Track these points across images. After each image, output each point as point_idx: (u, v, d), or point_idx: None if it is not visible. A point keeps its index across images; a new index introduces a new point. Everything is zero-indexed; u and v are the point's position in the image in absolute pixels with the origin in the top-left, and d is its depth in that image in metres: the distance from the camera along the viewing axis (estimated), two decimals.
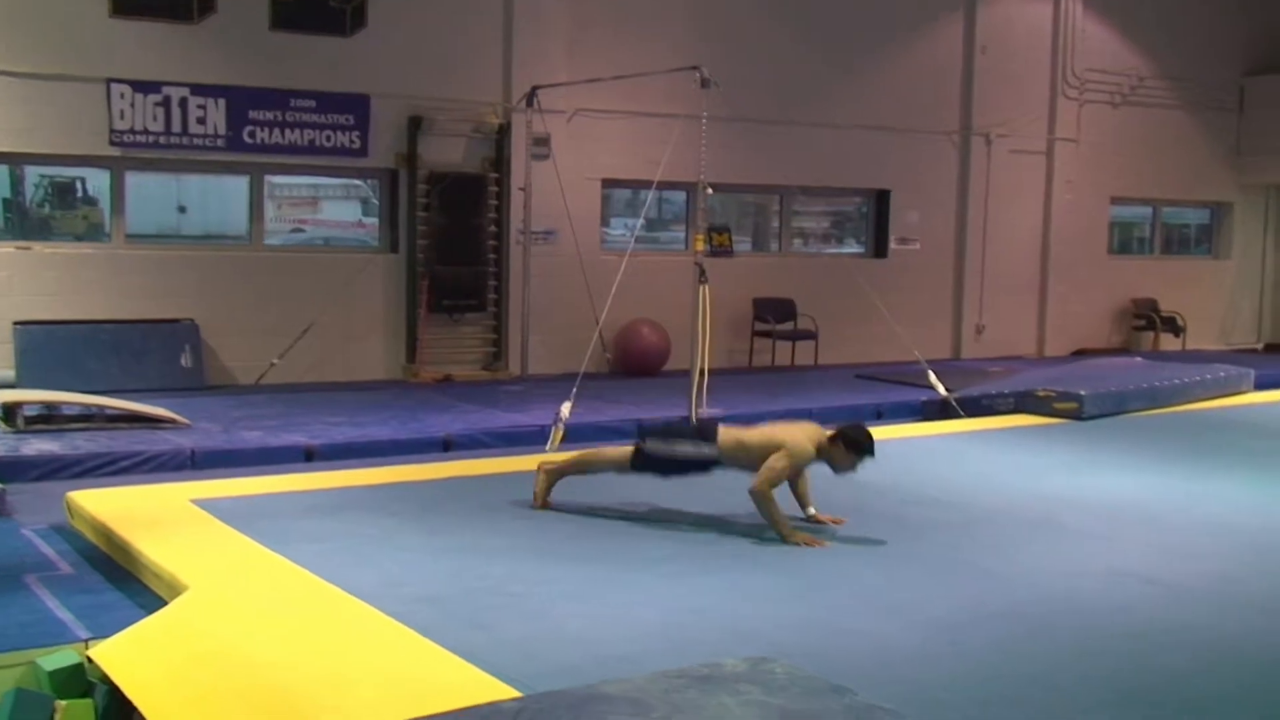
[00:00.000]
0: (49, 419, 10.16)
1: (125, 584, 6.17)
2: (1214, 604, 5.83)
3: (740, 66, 14.67)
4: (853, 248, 17.73)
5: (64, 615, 5.62)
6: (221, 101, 12.90)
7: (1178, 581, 6.17)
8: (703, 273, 11.20)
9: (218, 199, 14.56)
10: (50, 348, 12.10)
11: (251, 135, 13.08)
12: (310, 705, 4.32)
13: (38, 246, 12.62)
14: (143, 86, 12.55)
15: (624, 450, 7.23)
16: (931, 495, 7.97)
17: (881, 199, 17.24)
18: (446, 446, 10.28)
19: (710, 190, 11.61)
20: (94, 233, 13.27)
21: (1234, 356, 17.13)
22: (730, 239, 16.11)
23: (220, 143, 12.96)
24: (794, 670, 4.35)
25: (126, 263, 12.82)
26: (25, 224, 13.00)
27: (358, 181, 14.81)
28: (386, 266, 14.01)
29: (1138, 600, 5.85)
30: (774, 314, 15.96)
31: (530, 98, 13.89)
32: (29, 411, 10.08)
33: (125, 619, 5.39)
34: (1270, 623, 5.58)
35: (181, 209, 14.48)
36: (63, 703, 4.72)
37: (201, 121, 12.84)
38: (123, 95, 12.49)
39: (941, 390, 12.20)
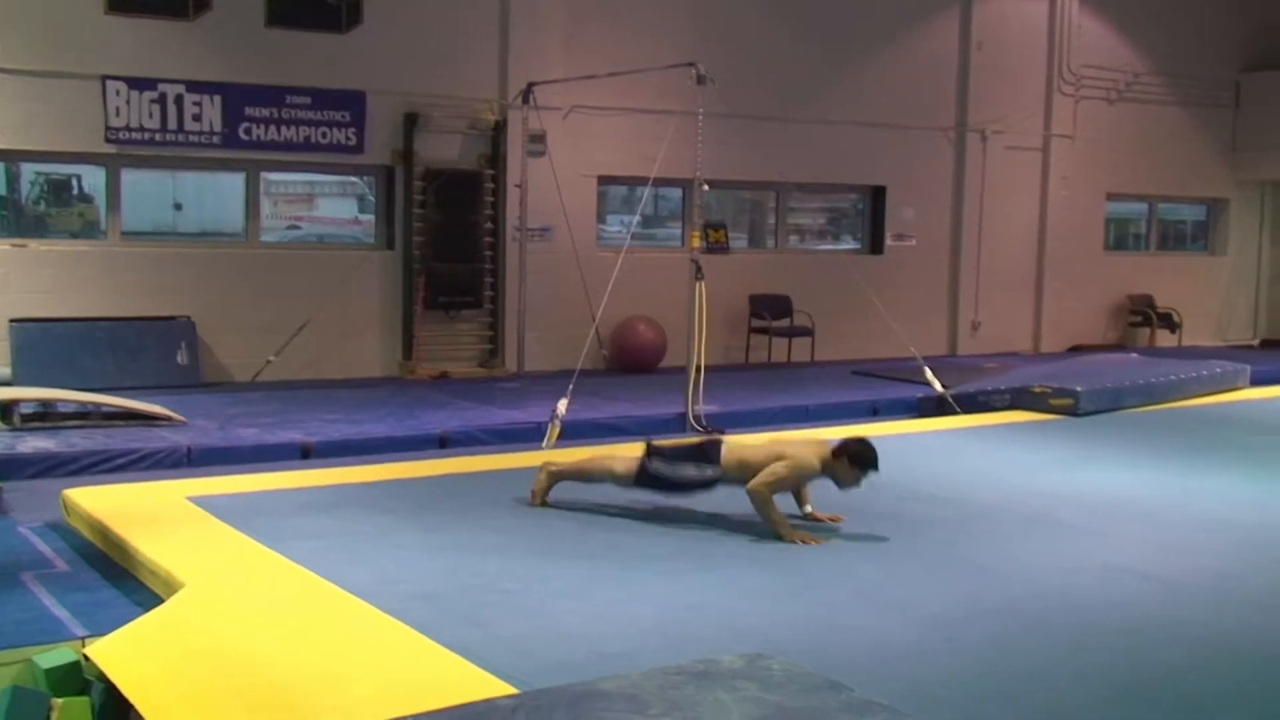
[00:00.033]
0: (45, 416, 10.16)
1: (122, 581, 6.16)
2: (1210, 600, 5.84)
3: (736, 63, 14.67)
4: (849, 244, 17.73)
5: (60, 613, 5.61)
6: (217, 98, 12.89)
7: (1174, 577, 6.18)
8: (699, 269, 11.20)
9: (214, 196, 14.54)
10: (46, 345, 12.08)
11: (247, 132, 13.07)
12: (307, 702, 4.32)
13: (33, 244, 12.61)
14: (138, 83, 12.53)
15: (629, 464, 7.18)
16: (928, 492, 7.97)
17: (877, 195, 17.24)
18: (443, 443, 10.27)
19: (706, 187, 11.62)
20: (90, 230, 13.25)
21: (1230, 352, 17.15)
22: (726, 236, 16.11)
23: (216, 140, 12.94)
24: (791, 667, 4.35)
25: (122, 260, 12.81)
26: (21, 221, 12.98)
27: (354, 178, 14.80)
28: (383, 263, 14.01)
29: (1134, 596, 5.86)
30: (770, 311, 15.96)
31: (526, 94, 13.87)
32: (25, 409, 10.07)
33: (122, 617, 5.39)
34: (1267, 618, 5.59)
35: (177, 206, 14.46)
36: (59, 700, 4.72)
37: (197, 118, 12.82)
38: (118, 92, 12.47)
39: (938, 387, 12.21)
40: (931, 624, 5.39)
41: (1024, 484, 8.49)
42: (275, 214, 14.59)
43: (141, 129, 12.58)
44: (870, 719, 3.90)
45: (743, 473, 6.86)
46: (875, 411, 12.42)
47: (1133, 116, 18.96)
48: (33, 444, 9.25)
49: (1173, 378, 12.85)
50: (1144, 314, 19.24)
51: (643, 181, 12.88)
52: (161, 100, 12.64)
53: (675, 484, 7.06)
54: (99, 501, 7.14)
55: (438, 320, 14.11)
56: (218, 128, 12.92)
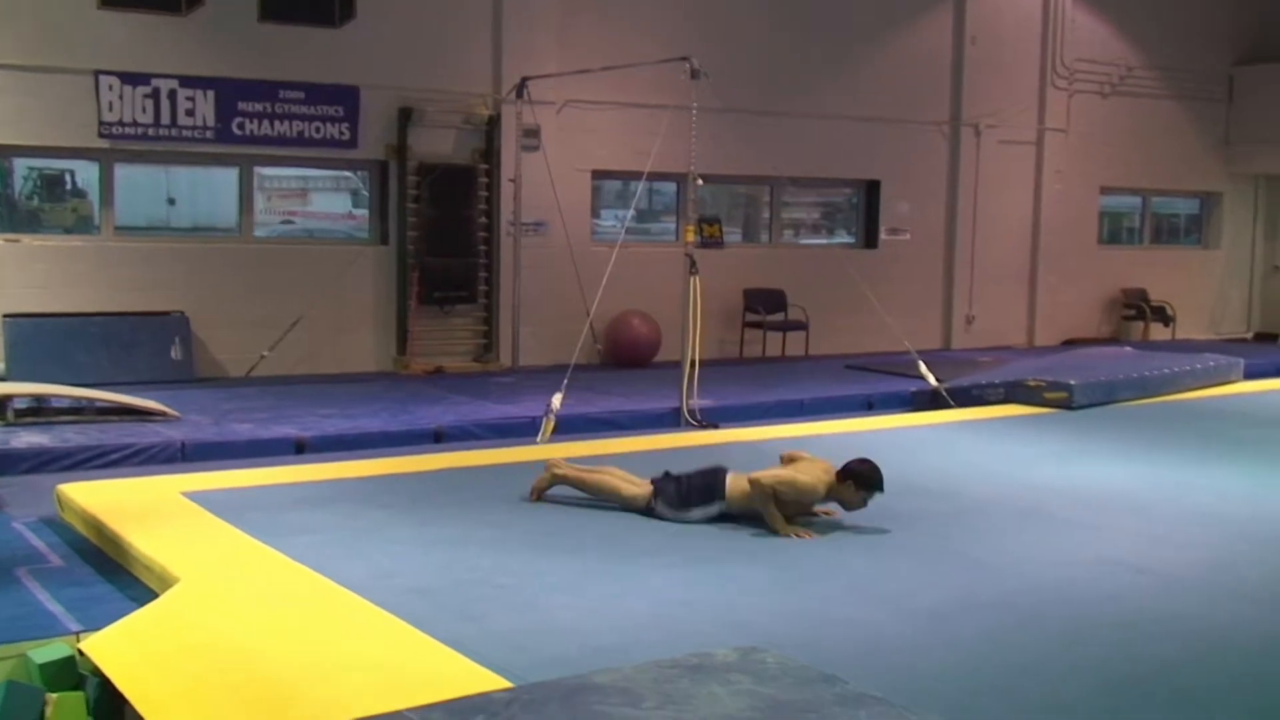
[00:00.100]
0: (39, 412, 10.15)
1: (116, 576, 6.16)
2: (1204, 593, 5.85)
3: (730, 57, 14.66)
4: (843, 238, 17.74)
5: (55, 608, 5.61)
6: (210, 93, 12.87)
7: (1168, 571, 6.19)
8: (693, 264, 11.20)
9: (207, 191, 14.52)
10: (39, 340, 12.06)
11: (241, 127, 13.05)
12: (301, 696, 4.32)
13: (26, 239, 12.59)
14: (131, 78, 12.52)
15: (636, 492, 7.15)
16: (922, 485, 7.98)
17: (872, 190, 17.25)
18: (437, 438, 10.28)
19: (700, 181, 11.61)
20: (83, 225, 13.23)
21: (1223, 346, 17.16)
22: (721, 230, 16.11)
23: (209, 134, 12.93)
24: (785, 660, 4.35)
25: (116, 255, 12.79)
26: (14, 216, 12.95)
27: (347, 173, 14.79)
28: (377, 258, 14.00)
29: (1128, 589, 5.86)
30: (764, 305, 15.97)
31: (520, 89, 13.87)
32: (18, 404, 10.06)
33: (116, 611, 5.38)
34: (1260, 612, 5.60)
35: (171, 201, 14.43)
36: (54, 695, 4.71)
37: (190, 113, 12.81)
38: (111, 87, 12.45)
39: (932, 380, 12.22)
40: (925, 617, 5.40)
41: (1018, 478, 8.50)
42: (269, 209, 14.56)
43: (135, 124, 12.56)
44: (864, 711, 3.90)
45: (747, 502, 6.85)
46: (869, 405, 12.43)
47: (1126, 110, 18.98)
48: (27, 439, 9.24)
49: (1166, 371, 12.86)
50: (1138, 307, 19.27)
51: (637, 176, 12.88)
52: (155, 95, 12.63)
53: (681, 522, 7.03)
54: (93, 496, 7.13)
55: (432, 315, 14.10)
56: (211, 123, 12.90)
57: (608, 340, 14.61)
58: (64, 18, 12.28)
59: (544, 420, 10.21)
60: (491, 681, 4.37)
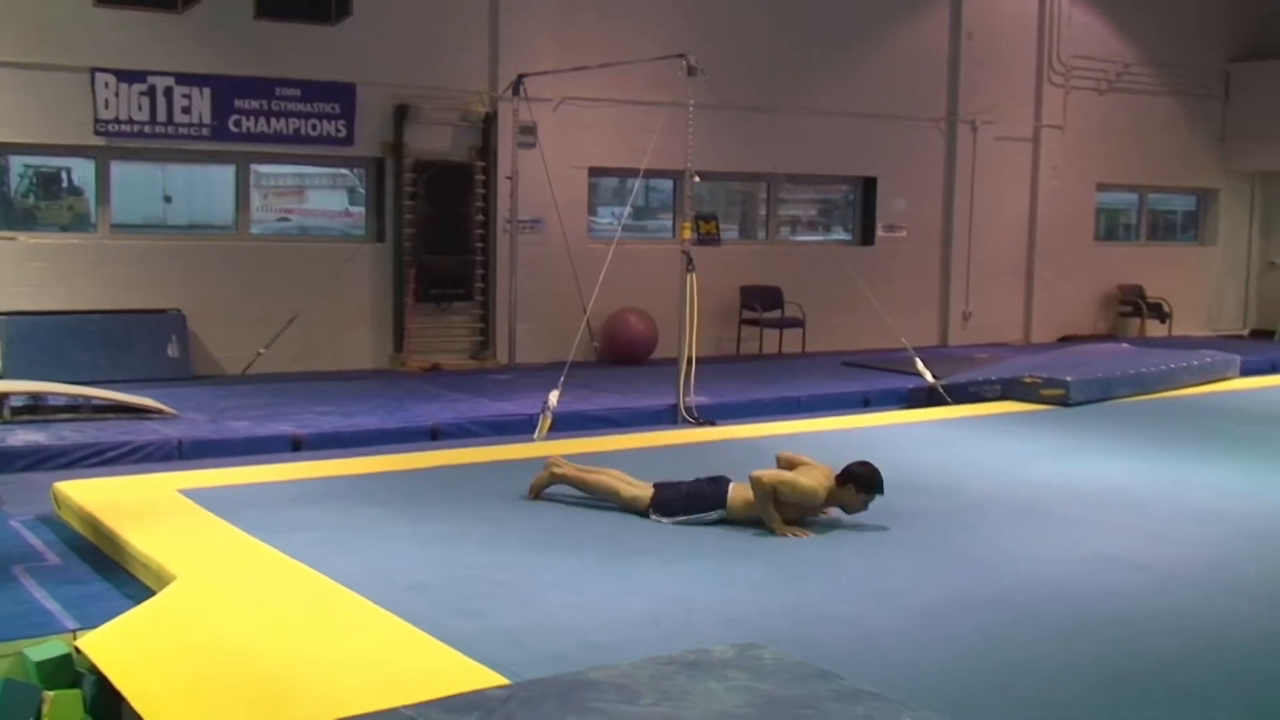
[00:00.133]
0: (35, 410, 10.14)
1: (113, 574, 6.16)
2: (1201, 589, 5.85)
3: (727, 54, 14.66)
4: (840, 235, 17.74)
5: (52, 606, 5.61)
6: (207, 91, 12.86)
7: (1165, 567, 6.19)
8: (690, 261, 11.21)
9: (203, 189, 14.52)
10: (36, 338, 12.05)
11: (237, 124, 13.05)
12: (298, 693, 4.32)
13: (23, 237, 12.58)
14: (127, 76, 12.50)
15: (636, 494, 7.14)
16: (919, 482, 7.98)
17: (868, 186, 17.25)
18: (434, 436, 10.28)
19: (697, 178, 11.62)
20: (79, 223, 13.23)
21: (1220, 342, 17.18)
22: (717, 227, 16.11)
23: (205, 132, 12.92)
24: (781, 656, 4.35)
25: (112, 253, 12.78)
26: (10, 214, 12.93)
27: (344, 171, 14.78)
28: (373, 256, 13.99)
29: (1125, 586, 5.87)
30: (761, 302, 15.97)
31: (516, 86, 13.87)
32: (15, 402, 10.06)
33: (113, 609, 5.38)
34: (1258, 608, 5.60)
35: (167, 199, 14.43)
36: (51, 693, 4.71)
37: (187, 111, 12.80)
38: (107, 85, 12.44)
39: (929, 377, 12.22)
40: (922, 614, 5.40)
41: (1015, 474, 8.50)
42: (265, 206, 14.56)
43: (131, 121, 12.55)
44: (861, 707, 3.91)
45: (749, 511, 6.85)
46: (866, 402, 12.44)
47: (1123, 107, 18.99)
48: (23, 437, 9.24)
49: (1163, 368, 12.87)
50: (1134, 304, 19.28)
51: (633, 173, 12.87)
52: (151, 93, 12.62)
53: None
54: (90, 494, 7.13)
55: (429, 312, 14.10)
56: (207, 120, 12.89)
57: (605, 337, 14.62)
58: (60, 15, 12.27)
59: (541, 418, 10.22)
60: (489, 678, 4.37)
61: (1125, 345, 15.60)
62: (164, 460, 9.14)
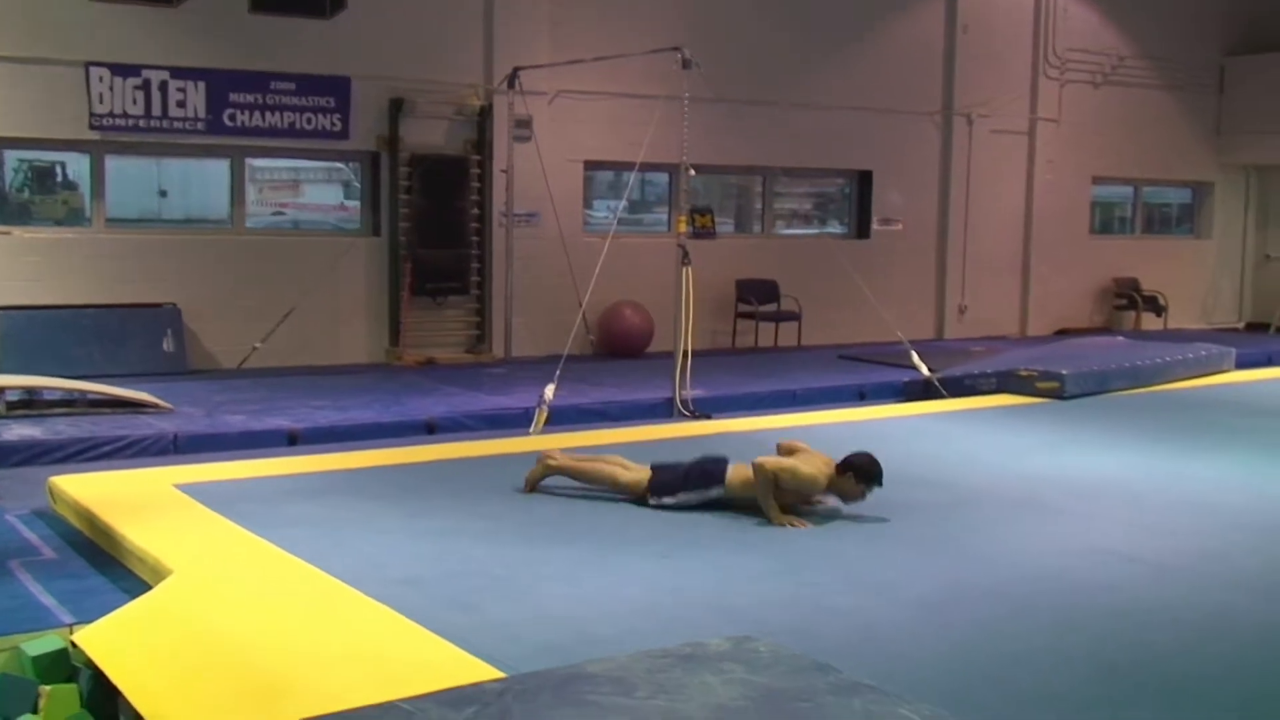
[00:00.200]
0: (31, 404, 10.13)
1: (109, 569, 6.16)
2: (1196, 582, 5.86)
3: (722, 47, 14.66)
4: (835, 229, 17.73)
5: (47, 600, 5.61)
6: (201, 84, 12.84)
7: (1160, 560, 6.20)
8: (685, 254, 11.20)
9: (198, 183, 14.50)
10: (31, 333, 12.05)
11: (232, 118, 13.03)
12: (295, 687, 4.32)
13: (18, 231, 12.56)
14: (122, 70, 12.48)
15: (633, 478, 7.15)
16: (914, 475, 7.98)
17: (864, 180, 17.25)
18: (430, 429, 10.27)
19: (693, 172, 11.60)
20: (74, 217, 13.21)
21: (1215, 335, 17.20)
22: (713, 220, 16.11)
23: (200, 126, 12.90)
24: (778, 648, 4.36)
25: (107, 247, 12.77)
26: (5, 209, 12.91)
27: (339, 164, 14.76)
28: (369, 249, 13.98)
29: (1120, 579, 5.87)
30: (757, 295, 15.97)
31: (512, 79, 13.85)
32: (10, 397, 10.04)
33: (109, 604, 5.38)
34: (1254, 600, 5.61)
35: (162, 193, 14.41)
36: (47, 688, 4.71)
37: (181, 105, 12.78)
38: (102, 79, 12.42)
39: (924, 370, 12.23)
40: (918, 606, 5.41)
41: (1010, 467, 8.51)
42: (260, 200, 14.55)
43: (125, 115, 12.53)
44: (857, 700, 3.91)
45: (747, 491, 6.85)
46: (862, 395, 12.45)
47: (1118, 100, 18.99)
48: (19, 431, 9.23)
49: (1158, 361, 12.88)
50: (1130, 297, 19.29)
51: (629, 166, 12.86)
52: (145, 87, 12.60)
53: (678, 509, 7.03)
54: (86, 489, 7.13)
55: (424, 306, 14.09)
56: (202, 114, 12.88)
57: (600, 331, 14.62)
58: (54, 9, 12.24)
59: (537, 411, 10.22)
60: (484, 671, 4.37)
61: (1121, 338, 15.61)
62: (159, 455, 9.12)
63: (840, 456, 6.91)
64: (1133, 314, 19.25)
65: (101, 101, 12.42)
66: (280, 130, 13.29)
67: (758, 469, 6.76)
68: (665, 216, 16.12)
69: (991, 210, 17.86)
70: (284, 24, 13.25)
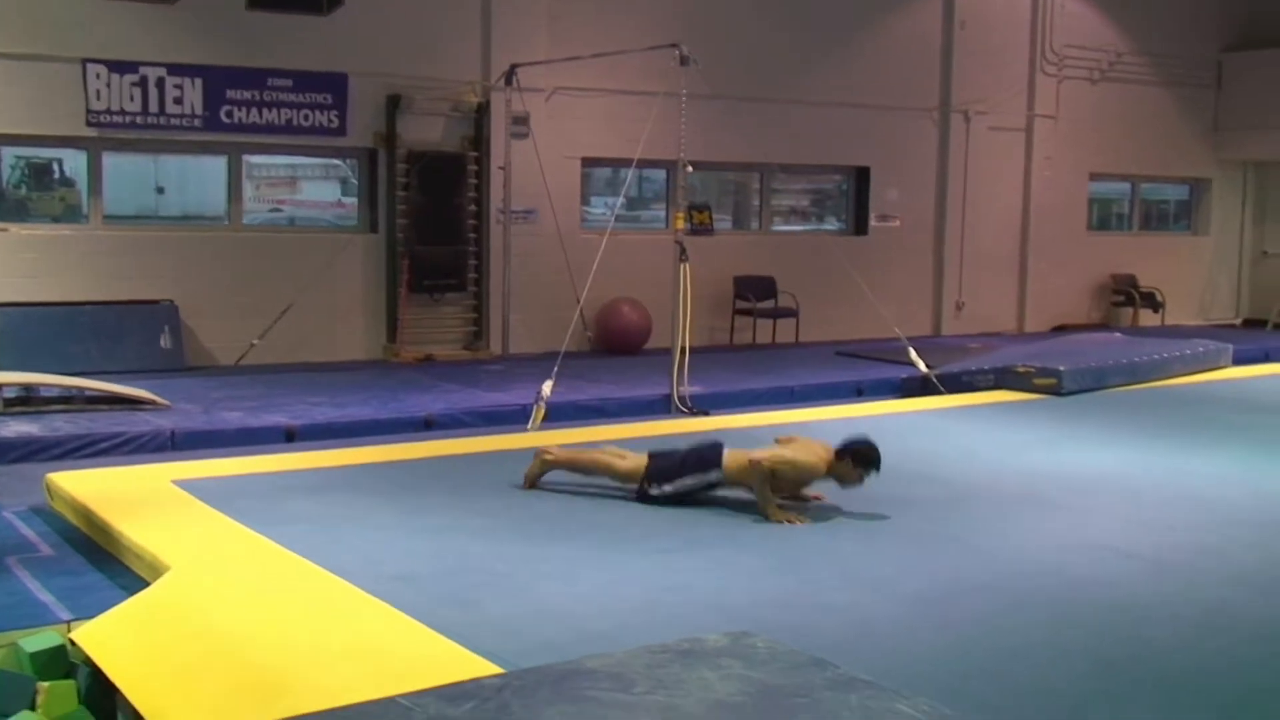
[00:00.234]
0: (28, 401, 10.13)
1: (106, 565, 6.15)
2: (1194, 577, 5.86)
3: (720, 44, 14.65)
4: (833, 225, 17.74)
5: (45, 597, 5.60)
6: (198, 81, 12.83)
7: (1157, 555, 6.20)
8: (683, 251, 11.20)
9: (196, 179, 14.49)
10: (28, 330, 12.04)
11: (229, 115, 13.02)
12: (293, 684, 4.32)
13: (14, 228, 12.55)
14: (119, 66, 12.47)
15: (630, 466, 7.16)
16: (912, 471, 7.99)
17: (861, 176, 17.25)
18: (428, 426, 10.28)
19: (690, 168, 11.61)
20: (71, 214, 13.20)
21: (1213, 332, 17.20)
22: (710, 217, 16.11)
23: (198, 123, 12.89)
24: (775, 644, 4.36)
25: (104, 244, 12.76)
26: (2, 206, 12.89)
27: (336, 161, 14.75)
28: (366, 246, 13.98)
29: (1117, 574, 5.88)
30: (755, 292, 15.97)
31: (509, 76, 13.84)
32: (8, 393, 10.03)
33: (107, 600, 5.38)
34: (1250, 596, 5.61)
35: (159, 190, 14.40)
36: (45, 684, 4.71)
37: (179, 101, 12.77)
38: (99, 75, 12.41)
39: (922, 367, 12.24)
40: (915, 602, 5.41)
41: (1008, 463, 8.52)
42: (257, 197, 14.54)
43: (123, 112, 12.52)
44: (854, 695, 3.91)
45: (744, 476, 6.86)
46: (860, 392, 12.45)
47: (1115, 96, 19.00)
48: (16, 428, 9.22)
49: (1156, 357, 12.89)
50: (1127, 293, 19.30)
51: (626, 163, 12.86)
52: (142, 83, 12.59)
53: (677, 499, 7.05)
54: (83, 485, 7.12)
55: (422, 303, 14.09)
56: (199, 111, 12.87)
57: (598, 328, 14.62)
58: (52, 6, 12.24)
59: (534, 408, 10.22)
60: (483, 667, 4.37)
61: (1118, 334, 15.62)
62: (157, 451, 9.12)
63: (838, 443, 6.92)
64: (1130, 310, 19.27)
65: (98, 98, 12.41)
66: (277, 127, 13.28)
67: (754, 465, 6.76)
68: (663, 213, 16.12)
69: (989, 207, 17.86)
70: (281, 21, 13.24)
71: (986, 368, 12.25)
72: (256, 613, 5.07)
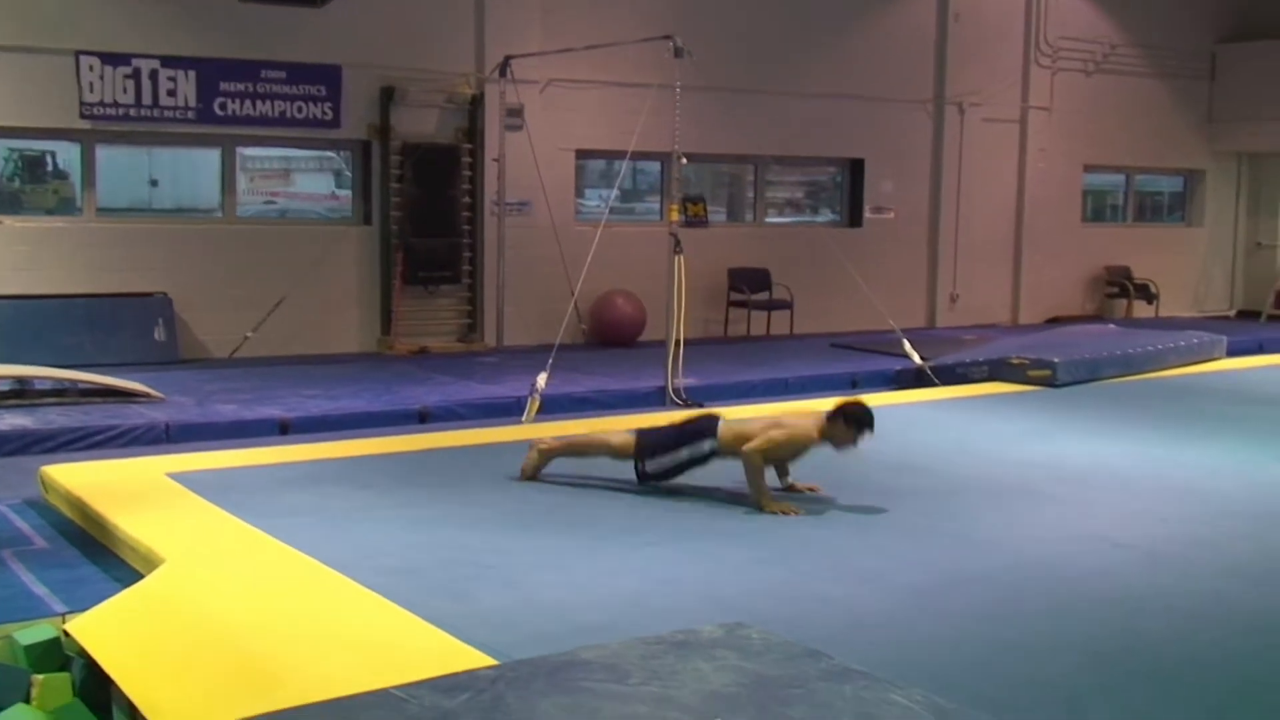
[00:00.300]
0: (22, 394, 10.11)
1: (101, 558, 6.16)
2: (1187, 569, 5.87)
3: (714, 36, 14.64)
4: (827, 217, 17.74)
5: (40, 590, 5.61)
6: (192, 73, 12.81)
7: (1151, 546, 6.21)
8: (678, 243, 11.20)
9: (189, 172, 14.47)
10: (22, 322, 12.02)
11: (222, 107, 13.00)
12: (288, 676, 4.32)
13: (8, 220, 12.53)
14: (112, 59, 12.45)
15: (625, 438, 7.19)
16: (906, 463, 8.00)
17: (856, 168, 17.25)
18: (422, 418, 10.27)
19: (685, 160, 11.61)
20: (65, 207, 13.18)
21: (1207, 323, 17.22)
22: (705, 209, 16.09)
23: (191, 115, 12.87)
24: (769, 636, 4.37)
25: (98, 236, 12.74)
26: None
27: (330, 153, 14.74)
28: (360, 238, 13.96)
29: (1112, 565, 5.89)
30: (749, 284, 15.97)
31: (503, 68, 13.83)
32: (1, 386, 10.03)
33: (101, 593, 5.38)
34: (1244, 587, 5.62)
35: (153, 182, 14.38)
36: (40, 677, 4.70)
37: (172, 94, 12.75)
38: (92, 67, 12.38)
39: (916, 359, 12.24)
40: (910, 593, 5.42)
41: (1002, 455, 8.53)
42: (251, 189, 14.52)
43: (116, 104, 12.50)
44: (849, 686, 3.92)
45: (740, 444, 6.86)
46: (854, 384, 12.44)
47: (1110, 88, 18.99)
48: (10, 421, 9.21)
49: (1150, 348, 12.89)
50: (1121, 285, 19.32)
51: (621, 155, 12.86)
52: (136, 76, 12.56)
53: (674, 472, 7.06)
54: (78, 478, 7.12)
55: (416, 295, 14.08)
56: (192, 103, 12.84)
57: (592, 320, 14.61)
58: None
59: (529, 400, 10.22)
60: (477, 659, 4.38)
61: (1112, 326, 15.63)
62: (151, 444, 9.12)
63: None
64: (1124, 302, 19.28)
65: (92, 90, 12.39)
66: (271, 119, 13.26)
67: (745, 457, 6.77)
68: (657, 205, 16.12)
69: (983, 199, 17.86)
70: (274, 12, 13.18)
71: (981, 359, 12.25)
72: (251, 605, 5.07)
